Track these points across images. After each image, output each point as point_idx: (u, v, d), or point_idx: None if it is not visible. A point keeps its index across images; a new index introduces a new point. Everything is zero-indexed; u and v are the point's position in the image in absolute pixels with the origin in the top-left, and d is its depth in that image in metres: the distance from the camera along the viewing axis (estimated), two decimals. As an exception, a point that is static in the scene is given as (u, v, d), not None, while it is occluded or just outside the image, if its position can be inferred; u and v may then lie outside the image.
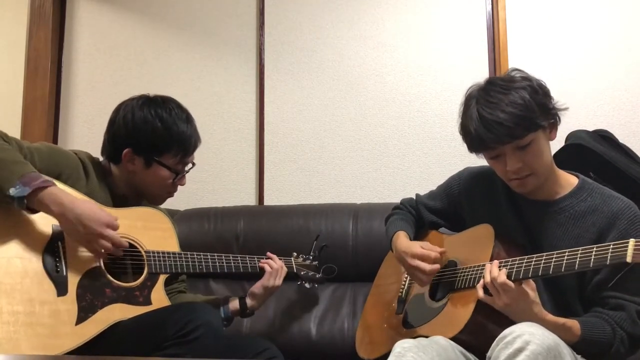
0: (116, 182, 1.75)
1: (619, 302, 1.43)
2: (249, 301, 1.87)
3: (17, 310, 1.42)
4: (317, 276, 2.08)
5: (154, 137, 1.69)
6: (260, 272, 1.89)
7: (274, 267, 1.88)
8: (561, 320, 1.39)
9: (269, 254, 1.93)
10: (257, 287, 1.88)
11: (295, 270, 2.01)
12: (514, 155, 1.47)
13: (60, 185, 1.55)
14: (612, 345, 1.40)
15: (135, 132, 1.69)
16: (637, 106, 2.40)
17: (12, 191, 1.43)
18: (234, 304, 1.87)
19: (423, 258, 1.61)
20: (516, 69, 1.55)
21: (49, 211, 1.49)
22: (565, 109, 1.52)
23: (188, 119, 1.76)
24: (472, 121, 1.48)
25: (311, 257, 2.09)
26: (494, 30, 2.53)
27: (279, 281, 1.88)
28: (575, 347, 1.38)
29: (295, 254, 2.06)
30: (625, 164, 1.96)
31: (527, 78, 1.51)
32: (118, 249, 1.57)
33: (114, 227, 1.55)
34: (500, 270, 1.39)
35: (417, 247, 1.64)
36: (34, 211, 1.50)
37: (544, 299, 1.47)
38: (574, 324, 1.40)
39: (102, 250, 1.54)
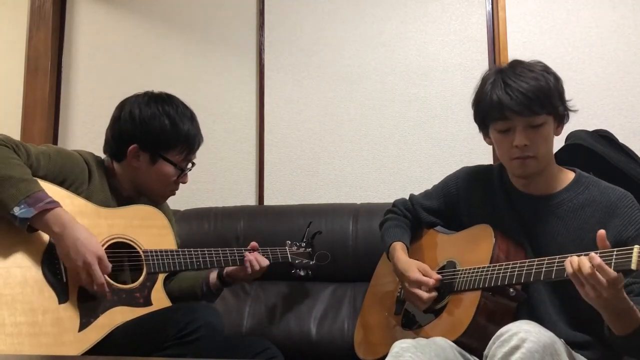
0: (122, 184, 1.75)
1: None
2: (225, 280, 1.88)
3: (20, 321, 1.41)
4: (311, 263, 2.08)
5: (161, 133, 1.69)
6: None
7: (257, 268, 1.85)
8: (631, 302, 1.29)
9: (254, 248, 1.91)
10: (238, 277, 1.87)
11: (290, 260, 2.02)
12: (524, 132, 1.50)
13: (63, 192, 1.56)
14: None
15: (142, 128, 1.69)
16: (637, 106, 2.40)
17: (17, 210, 1.42)
18: (213, 279, 1.87)
19: (420, 285, 1.60)
20: (539, 61, 1.58)
21: (49, 232, 1.48)
22: (575, 110, 1.57)
23: (192, 117, 1.77)
24: (495, 87, 1.52)
25: (304, 244, 2.09)
26: (494, 30, 2.53)
27: (259, 275, 1.87)
28: (630, 337, 1.29)
29: (289, 242, 2.05)
30: (626, 164, 1.95)
31: (549, 68, 1.56)
32: (98, 286, 1.51)
33: (104, 263, 1.51)
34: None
35: (415, 272, 1.63)
36: (34, 230, 1.49)
37: (547, 303, 1.48)
38: (636, 308, 1.30)
39: (84, 278, 1.50)
